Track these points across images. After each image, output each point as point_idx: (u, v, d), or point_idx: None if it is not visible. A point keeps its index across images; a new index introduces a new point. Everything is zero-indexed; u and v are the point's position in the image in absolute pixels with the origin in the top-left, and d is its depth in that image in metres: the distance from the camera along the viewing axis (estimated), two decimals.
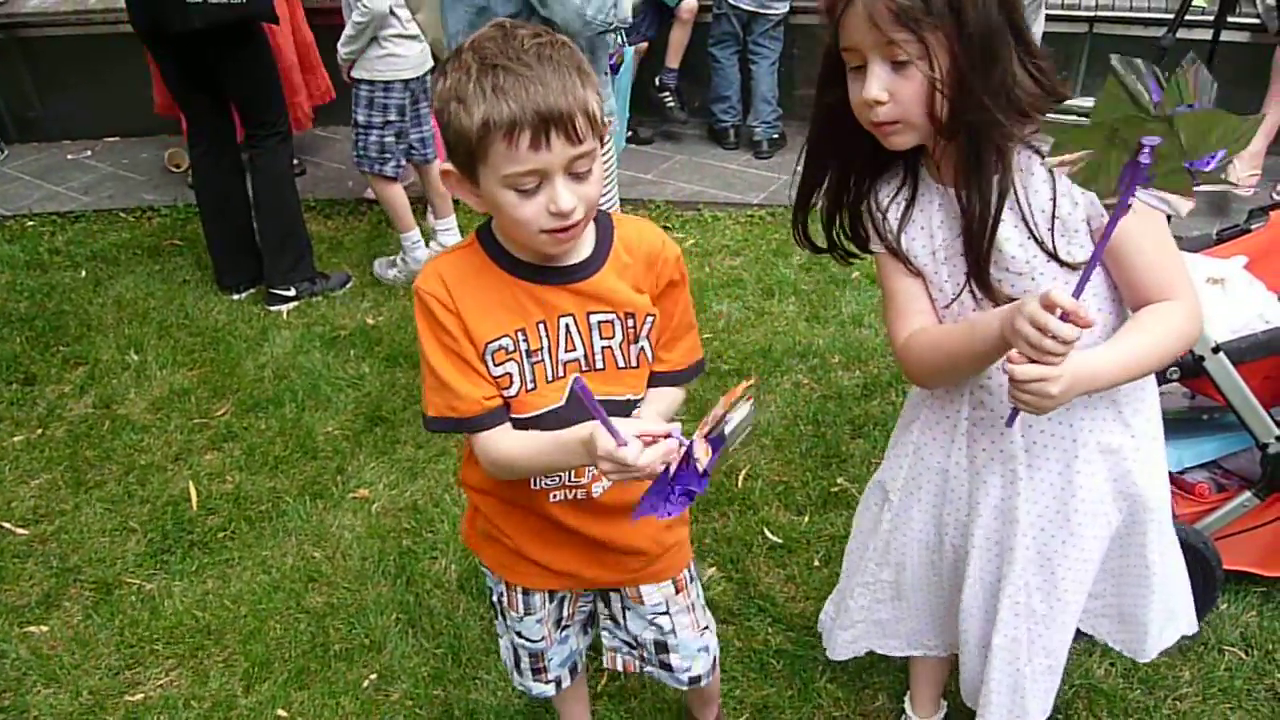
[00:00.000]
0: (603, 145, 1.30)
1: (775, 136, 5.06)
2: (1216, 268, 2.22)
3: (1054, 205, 1.35)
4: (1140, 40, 4.46)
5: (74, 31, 5.58)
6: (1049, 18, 4.24)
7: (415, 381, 1.42)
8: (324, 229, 4.54)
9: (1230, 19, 3.64)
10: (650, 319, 1.43)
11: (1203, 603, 2.18)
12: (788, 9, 4.89)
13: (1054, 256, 1.37)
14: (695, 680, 1.73)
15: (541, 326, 1.38)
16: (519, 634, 1.68)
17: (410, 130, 3.94)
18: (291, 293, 3.89)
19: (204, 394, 3.32)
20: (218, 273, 3.99)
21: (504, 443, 1.41)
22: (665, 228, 4.36)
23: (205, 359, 3.52)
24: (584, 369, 1.41)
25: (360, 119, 3.81)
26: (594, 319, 1.39)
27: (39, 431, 3.16)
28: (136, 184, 5.14)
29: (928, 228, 1.46)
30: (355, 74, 3.78)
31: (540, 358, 1.39)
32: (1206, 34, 3.66)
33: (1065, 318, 1.19)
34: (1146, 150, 1.07)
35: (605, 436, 1.21)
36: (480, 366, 1.38)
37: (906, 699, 2.03)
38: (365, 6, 3.57)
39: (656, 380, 1.48)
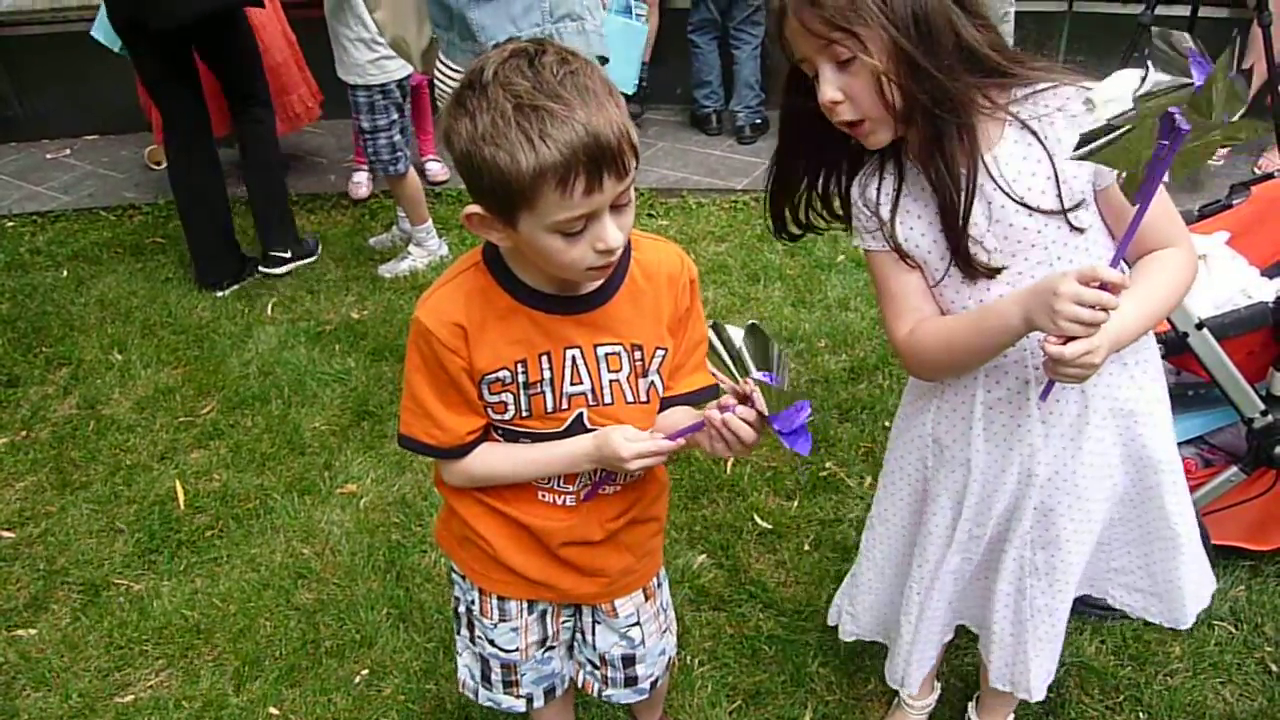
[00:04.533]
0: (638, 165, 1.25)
1: (758, 122, 5.05)
2: (1199, 243, 2.22)
3: (1055, 169, 1.38)
4: (1119, 17, 4.45)
5: (51, 29, 5.52)
6: None
7: (401, 376, 1.41)
8: (307, 224, 4.51)
9: None
10: (661, 353, 1.38)
11: None
12: None
13: (1066, 219, 1.39)
14: (654, 684, 1.70)
15: (545, 358, 1.34)
16: (491, 642, 1.60)
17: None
18: (288, 254, 3.99)
19: (189, 392, 3.30)
20: (198, 271, 3.97)
21: (487, 460, 1.41)
22: (649, 215, 4.36)
23: (189, 357, 3.50)
24: (591, 403, 1.37)
25: (365, 125, 3.75)
26: (600, 351, 1.35)
27: (23, 434, 3.14)
28: (117, 182, 5.10)
29: (925, 216, 1.46)
30: (351, 80, 3.71)
31: (540, 390, 1.35)
32: (1185, 10, 3.65)
33: (1103, 286, 1.23)
34: (1177, 131, 1.12)
35: (624, 441, 1.30)
36: (474, 400, 1.36)
37: None
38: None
39: (666, 404, 1.43)
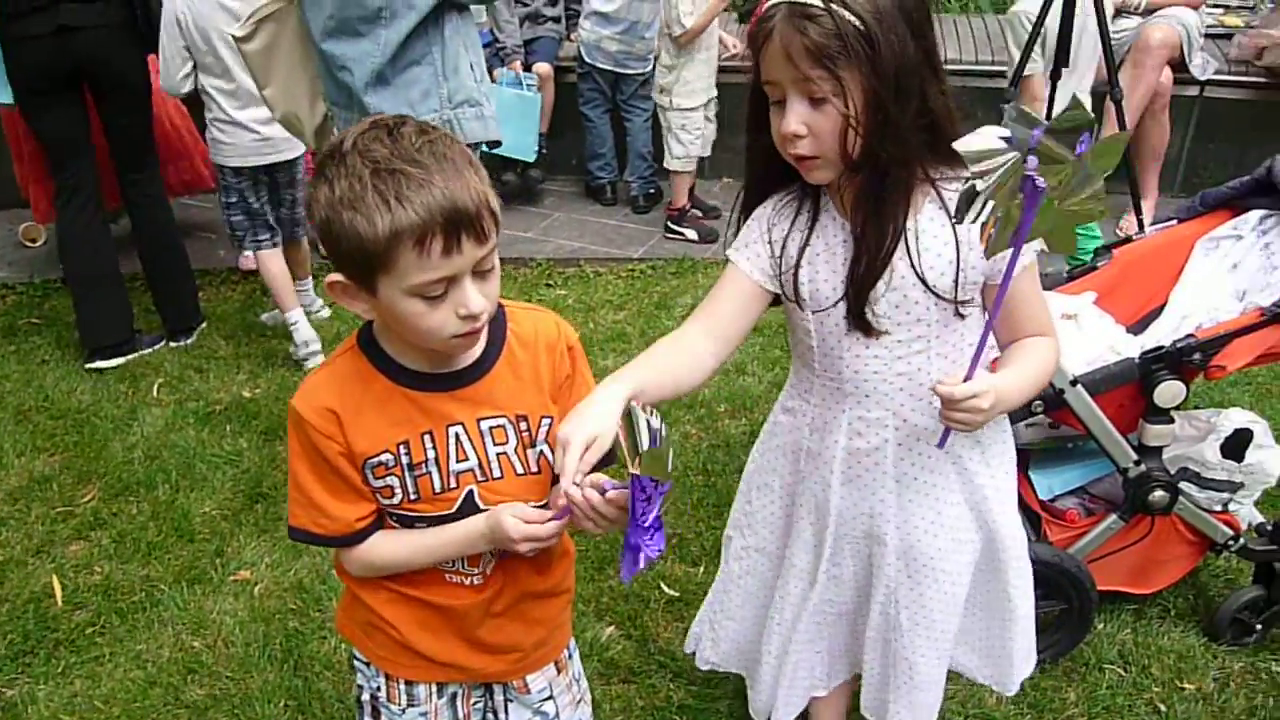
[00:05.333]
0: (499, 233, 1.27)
1: (651, 191, 5.16)
2: (1069, 304, 2.35)
3: (958, 253, 1.42)
4: (987, 90, 4.73)
5: None
6: None
7: None
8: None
9: (1067, 70, 3.90)
10: (547, 421, 1.38)
11: (1080, 624, 2.28)
12: (650, 67, 4.99)
13: (954, 306, 1.45)
14: None
15: (428, 437, 1.32)
16: None
17: (279, 209, 3.85)
18: (199, 321, 4.05)
19: (68, 480, 3.14)
20: (86, 341, 3.83)
21: (383, 548, 1.37)
22: (547, 285, 4.38)
23: (68, 443, 3.33)
24: (479, 479, 1.35)
25: (220, 197, 3.79)
26: (484, 425, 1.34)
27: None
28: None
29: (831, 262, 1.49)
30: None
31: (425, 470, 1.33)
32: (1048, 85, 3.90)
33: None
34: (1036, 189, 1.17)
35: (514, 522, 1.27)
36: (359, 485, 1.33)
37: None
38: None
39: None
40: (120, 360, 3.81)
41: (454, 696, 1.56)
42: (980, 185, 1.20)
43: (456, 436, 1.33)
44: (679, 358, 1.50)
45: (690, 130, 4.69)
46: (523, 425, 1.37)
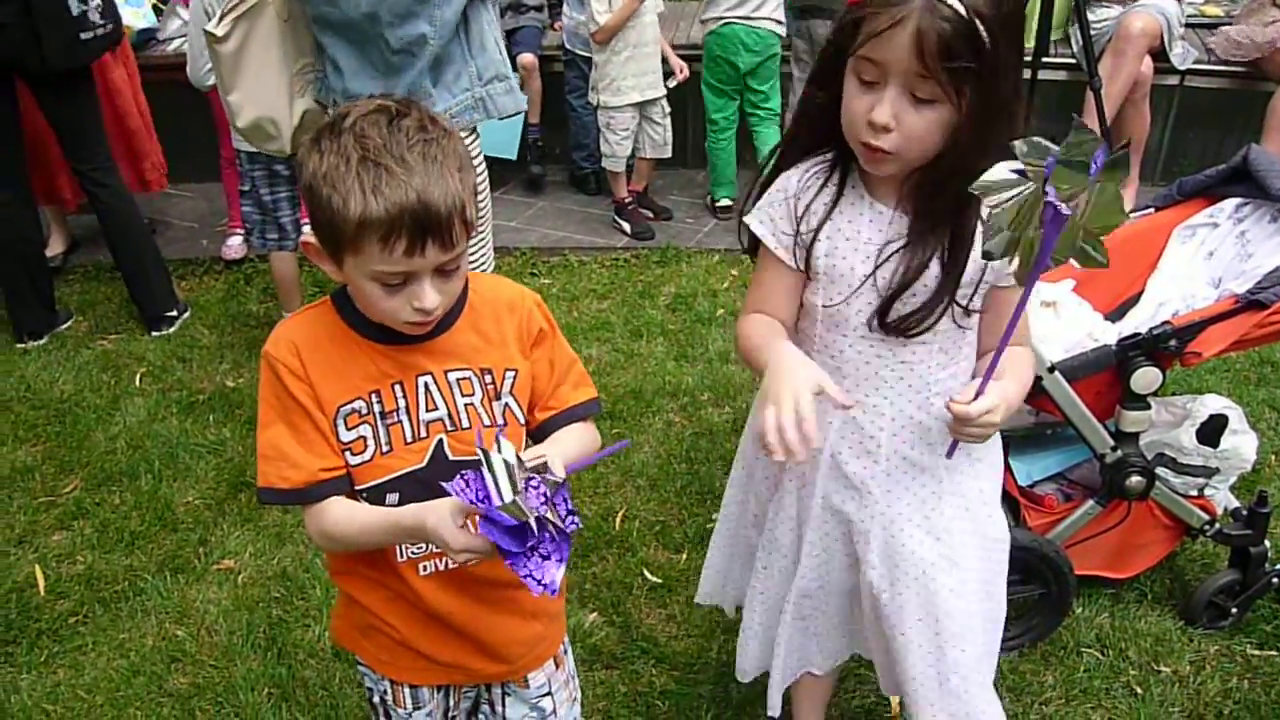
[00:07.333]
0: (470, 239, 1.29)
1: None
2: (1049, 291, 2.37)
3: (984, 266, 1.45)
4: None
5: None
6: None
7: None
8: (177, 290, 4.35)
9: (1046, 59, 3.91)
10: (511, 374, 1.40)
11: (1059, 608, 2.31)
12: None
13: (966, 311, 1.47)
14: None
15: (398, 387, 1.35)
16: None
17: (296, 210, 3.72)
18: (175, 312, 4.01)
19: (50, 470, 3.13)
20: (17, 325, 3.90)
21: (336, 513, 1.35)
22: (531, 274, 4.38)
23: (50, 433, 3.32)
24: (449, 429, 1.37)
25: (242, 185, 3.72)
26: (452, 376, 1.37)
27: None
28: None
29: (854, 240, 1.47)
30: None
31: (396, 419, 1.36)
32: (1027, 73, 3.92)
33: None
34: (1058, 213, 1.17)
35: (452, 531, 1.20)
36: (329, 435, 1.34)
37: None
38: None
39: (554, 423, 1.43)
40: (43, 340, 3.90)
41: (447, 691, 1.58)
42: (1001, 219, 1.19)
43: (426, 386, 1.36)
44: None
45: (616, 130, 4.63)
46: (487, 378, 1.39)
